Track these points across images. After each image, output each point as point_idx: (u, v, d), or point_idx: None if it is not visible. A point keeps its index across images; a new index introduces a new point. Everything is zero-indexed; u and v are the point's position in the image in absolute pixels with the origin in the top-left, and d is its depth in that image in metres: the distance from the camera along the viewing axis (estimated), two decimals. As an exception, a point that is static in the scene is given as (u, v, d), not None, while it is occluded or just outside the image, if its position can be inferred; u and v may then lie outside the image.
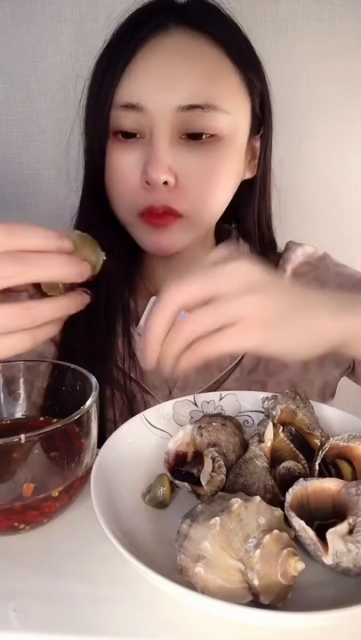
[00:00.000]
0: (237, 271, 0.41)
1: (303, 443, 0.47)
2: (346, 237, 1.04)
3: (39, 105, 0.97)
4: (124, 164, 0.61)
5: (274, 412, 0.47)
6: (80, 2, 0.91)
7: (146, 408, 0.54)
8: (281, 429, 0.46)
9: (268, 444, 0.44)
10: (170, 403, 0.54)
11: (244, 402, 0.55)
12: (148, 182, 0.59)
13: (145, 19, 0.60)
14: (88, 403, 0.41)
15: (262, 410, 0.51)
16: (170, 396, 0.68)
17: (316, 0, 0.91)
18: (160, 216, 0.61)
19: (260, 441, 0.44)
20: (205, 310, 0.40)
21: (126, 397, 0.67)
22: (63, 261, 0.40)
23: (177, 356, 0.42)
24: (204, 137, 0.59)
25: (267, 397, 0.50)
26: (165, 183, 0.59)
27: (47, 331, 0.42)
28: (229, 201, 0.66)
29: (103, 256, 0.45)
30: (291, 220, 0.83)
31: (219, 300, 0.40)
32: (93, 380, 0.44)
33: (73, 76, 0.94)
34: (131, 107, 0.58)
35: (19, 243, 0.39)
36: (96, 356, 0.65)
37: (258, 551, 0.33)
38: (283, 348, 0.43)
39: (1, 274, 0.38)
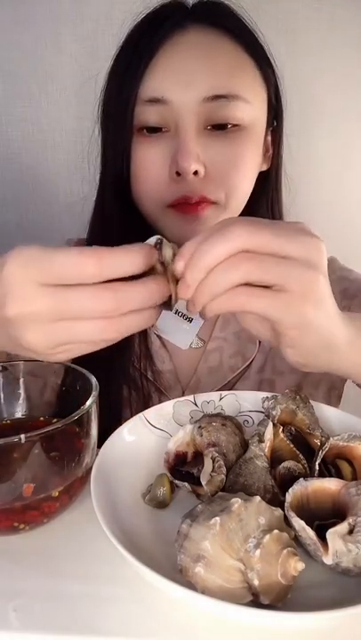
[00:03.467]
0: (311, 244, 0.38)
1: (303, 443, 0.47)
2: (348, 235, 1.04)
3: (39, 105, 0.97)
4: (150, 159, 0.61)
5: (274, 412, 0.47)
6: (80, 2, 0.91)
7: None
8: (281, 429, 0.46)
9: (268, 444, 0.44)
10: (170, 403, 0.54)
11: (244, 402, 0.55)
12: (178, 173, 0.59)
13: (162, 18, 0.61)
14: (88, 403, 0.41)
15: (262, 410, 0.51)
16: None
17: (317, 0, 0.91)
18: (194, 205, 0.61)
19: (260, 441, 0.44)
20: (270, 261, 0.37)
21: (143, 397, 0.68)
22: (153, 289, 0.38)
23: (220, 292, 0.38)
24: (228, 127, 0.60)
25: (267, 397, 0.50)
26: (195, 173, 0.59)
27: (131, 323, 0.38)
28: (251, 191, 0.68)
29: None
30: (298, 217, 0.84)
31: (282, 260, 0.37)
32: (93, 379, 0.44)
33: (73, 77, 0.95)
34: (155, 101, 0.59)
35: (111, 273, 0.36)
36: (114, 355, 0.65)
37: (258, 551, 0.33)
38: (303, 343, 0.42)
39: (101, 308, 0.36)
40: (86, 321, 0.37)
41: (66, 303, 0.36)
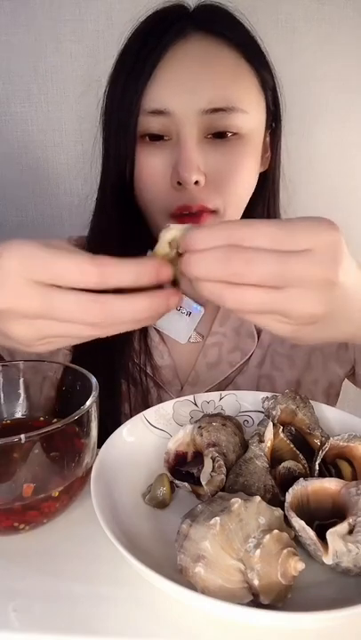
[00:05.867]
0: (318, 257, 0.35)
1: (303, 443, 0.47)
2: (348, 235, 1.04)
3: (39, 105, 0.97)
4: (153, 166, 0.63)
5: (274, 412, 0.47)
6: (80, 2, 0.91)
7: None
8: (281, 429, 0.46)
9: (268, 443, 0.44)
10: (170, 403, 0.54)
11: (244, 402, 0.55)
12: (179, 182, 0.61)
13: (164, 27, 0.61)
14: (88, 403, 0.41)
15: (262, 410, 0.51)
16: (181, 391, 0.70)
17: (317, 0, 0.91)
18: (195, 215, 0.63)
19: (261, 441, 0.44)
20: (262, 294, 0.35)
21: (142, 392, 0.68)
22: (144, 306, 0.37)
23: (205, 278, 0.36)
24: (228, 135, 0.62)
25: (267, 397, 0.50)
26: (196, 183, 0.60)
27: (120, 329, 0.39)
28: (250, 197, 0.68)
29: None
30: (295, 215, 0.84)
31: (284, 285, 0.35)
32: (93, 379, 0.44)
33: (72, 77, 0.94)
34: (158, 112, 0.60)
35: (112, 284, 0.36)
36: (113, 351, 0.66)
37: (258, 551, 0.33)
38: (311, 341, 0.41)
39: (88, 319, 0.36)
40: (72, 324, 0.37)
41: (54, 305, 0.36)
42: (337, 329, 0.41)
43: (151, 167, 0.63)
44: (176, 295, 0.39)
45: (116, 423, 0.49)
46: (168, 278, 0.38)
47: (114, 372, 0.67)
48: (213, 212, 0.63)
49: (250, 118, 0.62)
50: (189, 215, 0.63)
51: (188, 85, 0.60)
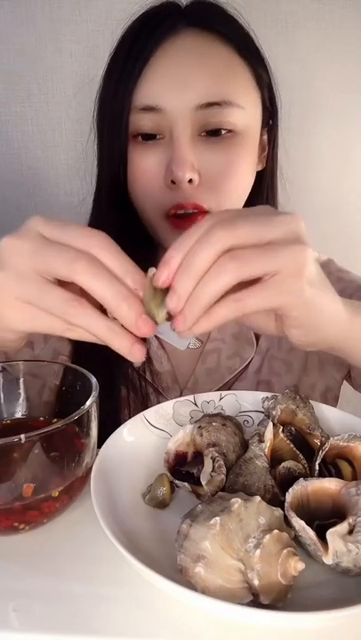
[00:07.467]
0: (287, 220, 0.39)
1: (303, 443, 0.47)
2: (347, 235, 1.04)
3: (39, 105, 0.97)
4: (146, 166, 0.62)
5: (274, 412, 0.47)
6: (80, 2, 0.91)
7: None
8: (281, 429, 0.46)
9: (268, 443, 0.44)
10: (170, 403, 0.54)
11: (244, 402, 0.55)
12: (173, 181, 0.60)
13: (155, 23, 0.61)
14: (88, 403, 0.41)
15: (262, 410, 0.51)
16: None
17: (317, 1, 0.91)
18: (189, 217, 0.62)
19: (261, 441, 0.44)
20: (254, 253, 0.37)
21: (141, 398, 0.68)
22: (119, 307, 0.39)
23: (212, 301, 0.38)
24: (222, 133, 0.61)
25: (267, 397, 0.50)
26: (190, 181, 0.60)
27: (81, 335, 0.40)
28: (247, 196, 0.68)
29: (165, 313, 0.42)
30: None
31: (266, 247, 0.38)
32: (93, 379, 0.44)
33: (73, 77, 0.95)
34: (150, 109, 0.59)
35: (104, 258, 0.38)
36: (113, 356, 0.66)
37: (258, 551, 0.33)
38: (307, 320, 0.42)
39: (72, 267, 0.37)
40: (55, 288, 0.38)
41: (47, 246, 0.38)
42: (323, 311, 0.42)
43: (144, 167, 0.62)
44: (140, 351, 0.42)
45: (116, 424, 0.49)
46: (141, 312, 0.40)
47: (114, 378, 0.67)
48: (207, 212, 0.62)
49: (245, 114, 0.61)
50: (183, 218, 0.62)
51: (179, 81, 0.59)
